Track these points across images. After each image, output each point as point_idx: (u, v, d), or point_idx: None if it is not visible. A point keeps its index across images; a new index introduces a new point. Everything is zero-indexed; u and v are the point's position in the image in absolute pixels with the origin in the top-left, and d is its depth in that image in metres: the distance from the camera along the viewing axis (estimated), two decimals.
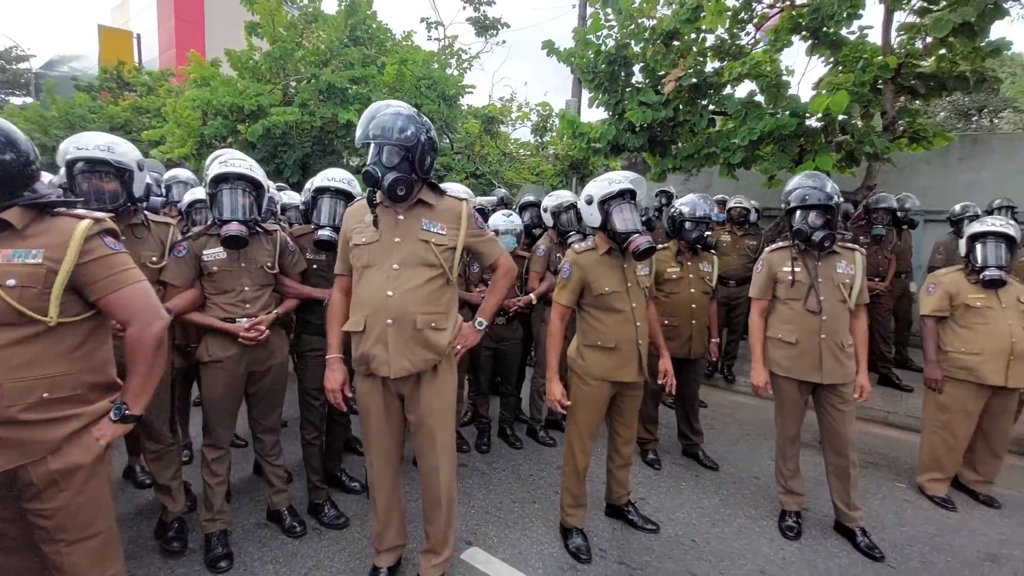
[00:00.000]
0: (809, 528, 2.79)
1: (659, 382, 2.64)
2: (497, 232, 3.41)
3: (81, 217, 1.46)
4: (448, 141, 7.61)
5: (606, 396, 2.45)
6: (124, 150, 2.11)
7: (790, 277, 2.66)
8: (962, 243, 3.08)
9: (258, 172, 2.38)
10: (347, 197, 2.68)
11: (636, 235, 2.29)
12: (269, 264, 2.42)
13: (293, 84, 7.49)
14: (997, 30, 4.14)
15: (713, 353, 3.54)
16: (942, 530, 2.84)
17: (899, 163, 5.86)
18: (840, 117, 4.36)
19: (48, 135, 11.81)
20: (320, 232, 2.55)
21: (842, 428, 2.64)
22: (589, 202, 2.39)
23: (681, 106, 5.29)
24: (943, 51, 4.47)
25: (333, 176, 2.74)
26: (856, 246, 2.69)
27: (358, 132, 1.90)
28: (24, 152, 1.43)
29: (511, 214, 3.46)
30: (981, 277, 2.93)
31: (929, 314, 3.12)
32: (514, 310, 3.36)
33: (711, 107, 5.21)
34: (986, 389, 2.96)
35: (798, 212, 2.62)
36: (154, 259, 2.27)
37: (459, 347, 2.08)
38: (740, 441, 3.92)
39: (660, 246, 3.40)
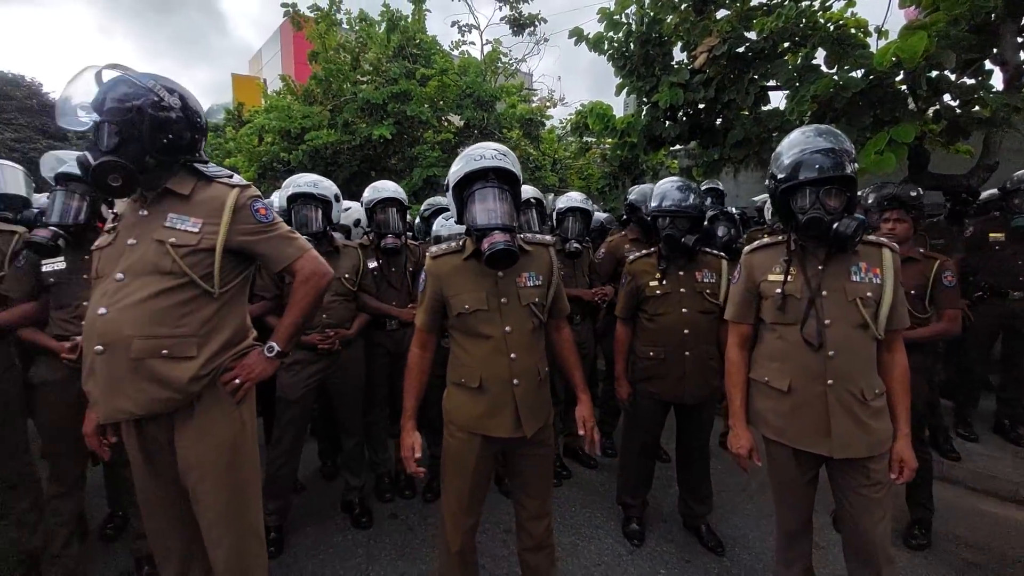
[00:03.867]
0: None
1: (581, 433, 1.90)
2: (438, 239, 2.86)
3: None
4: None
5: (477, 455, 1.76)
6: None
7: (779, 290, 1.77)
8: None
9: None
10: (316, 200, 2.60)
11: (494, 231, 1.62)
12: None
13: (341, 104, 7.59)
14: None
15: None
16: None
17: None
18: (933, 74, 3.17)
19: None
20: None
21: (869, 524, 1.68)
22: (447, 187, 1.77)
23: (726, 83, 4.33)
24: None
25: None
26: (885, 240, 1.73)
27: (57, 107, 1.48)
28: None
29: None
30: None
31: None
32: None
33: (761, 81, 4.18)
34: None
35: (800, 190, 1.72)
36: None
37: (237, 380, 1.57)
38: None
39: (640, 253, 2.63)
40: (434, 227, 2.91)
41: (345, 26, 8.17)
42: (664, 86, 4.50)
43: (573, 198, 3.26)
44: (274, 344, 1.63)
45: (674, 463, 2.80)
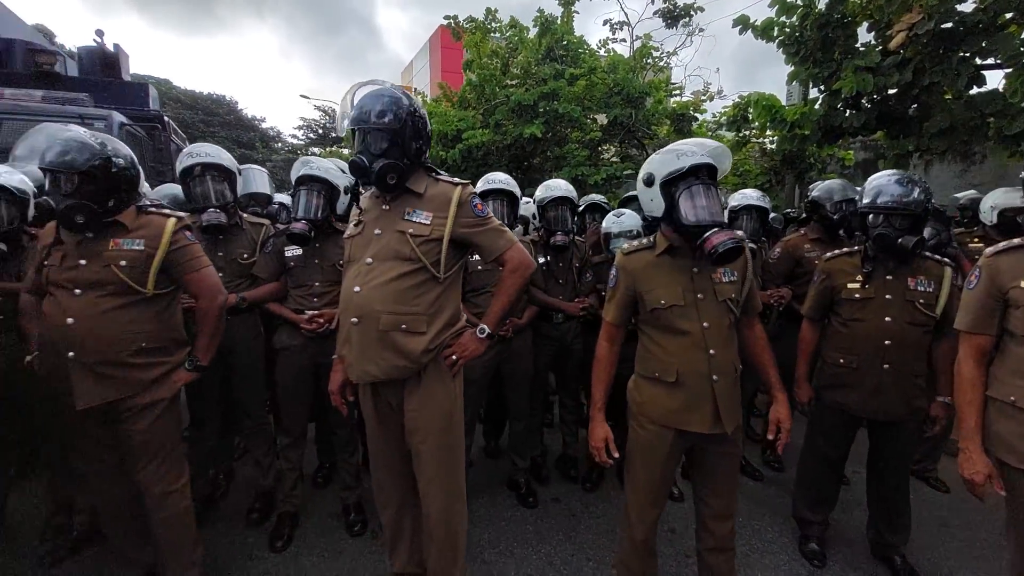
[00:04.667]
0: None
1: (769, 437, 1.83)
2: (609, 236, 2.92)
3: (168, 216, 1.88)
4: (637, 145, 7.13)
5: (668, 448, 1.78)
6: (228, 156, 2.47)
7: None
8: None
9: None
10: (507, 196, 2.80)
11: (714, 230, 1.61)
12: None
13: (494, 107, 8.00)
14: None
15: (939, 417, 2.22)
16: None
17: None
18: None
19: None
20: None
21: None
22: (649, 183, 1.75)
23: (926, 64, 3.81)
24: None
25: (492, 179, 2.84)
26: None
27: (338, 116, 1.77)
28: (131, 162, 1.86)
29: (623, 212, 2.90)
30: None
31: None
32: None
33: (975, 59, 3.60)
34: None
35: None
36: (245, 255, 2.55)
37: (454, 356, 1.76)
38: (985, 552, 2.51)
39: (839, 251, 2.44)
40: (604, 224, 2.98)
41: (496, 34, 8.60)
42: (847, 71, 4.09)
43: (748, 195, 3.11)
44: (485, 326, 1.81)
45: (864, 484, 2.56)
